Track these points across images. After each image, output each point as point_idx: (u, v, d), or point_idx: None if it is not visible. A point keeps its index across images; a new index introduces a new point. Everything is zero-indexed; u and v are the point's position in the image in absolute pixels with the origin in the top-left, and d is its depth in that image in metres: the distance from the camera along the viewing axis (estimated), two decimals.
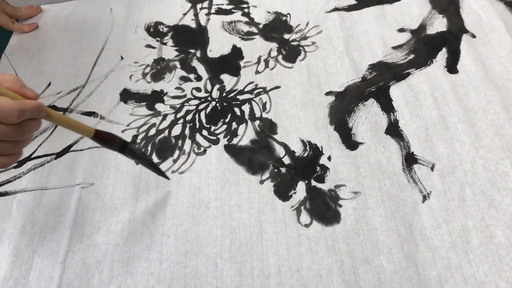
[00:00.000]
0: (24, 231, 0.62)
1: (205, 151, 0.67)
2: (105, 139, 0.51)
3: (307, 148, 0.65)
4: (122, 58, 0.81)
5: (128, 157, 0.56)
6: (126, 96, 0.75)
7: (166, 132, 0.70)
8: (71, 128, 0.47)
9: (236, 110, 0.71)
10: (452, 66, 0.71)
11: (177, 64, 0.79)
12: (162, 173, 0.62)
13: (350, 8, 0.82)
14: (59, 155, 0.69)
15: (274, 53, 0.78)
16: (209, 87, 0.75)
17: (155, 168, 0.61)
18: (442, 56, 0.73)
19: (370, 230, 0.56)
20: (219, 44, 0.81)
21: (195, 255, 0.57)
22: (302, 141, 0.66)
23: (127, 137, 0.69)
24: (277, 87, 0.73)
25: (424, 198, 0.58)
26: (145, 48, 0.83)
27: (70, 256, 0.59)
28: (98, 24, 0.88)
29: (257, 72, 0.76)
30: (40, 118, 0.42)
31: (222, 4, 0.88)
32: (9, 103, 0.38)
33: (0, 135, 0.39)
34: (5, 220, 0.63)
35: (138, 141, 0.69)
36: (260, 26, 0.83)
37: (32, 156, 0.69)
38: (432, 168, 0.61)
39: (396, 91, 0.69)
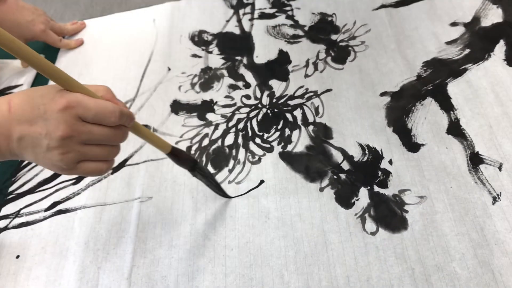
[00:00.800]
0: (87, 247, 0.62)
1: (260, 159, 0.66)
2: (179, 156, 0.52)
3: (366, 152, 0.63)
4: (169, 69, 0.81)
5: (195, 177, 0.57)
6: (177, 107, 0.75)
7: (219, 141, 0.69)
8: (151, 142, 0.49)
9: (288, 116, 0.70)
10: None
11: (225, 72, 0.79)
12: (225, 194, 0.62)
13: (397, 4, 0.80)
14: (115, 169, 0.69)
15: (322, 55, 0.77)
16: (258, 94, 0.74)
17: (219, 189, 0.61)
18: (500, 48, 0.70)
19: (439, 235, 0.54)
20: (265, 49, 0.80)
21: (259, 267, 0.56)
22: (360, 145, 0.64)
23: (181, 148, 0.69)
24: (329, 90, 0.72)
25: (494, 199, 0.56)
26: (191, 58, 0.82)
27: (135, 272, 0.59)
28: (142, 35, 0.89)
29: (306, 75, 0.75)
30: (130, 126, 0.45)
31: (265, 8, 0.87)
32: (112, 105, 0.41)
33: (100, 138, 0.42)
34: (69, 237, 0.64)
35: (192, 152, 0.69)
36: (306, 28, 0.81)
37: None
38: (500, 168, 0.58)
39: (454, 88, 0.67)
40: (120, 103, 0.44)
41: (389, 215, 0.57)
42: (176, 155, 0.52)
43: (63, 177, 0.70)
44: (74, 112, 0.39)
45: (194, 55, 0.83)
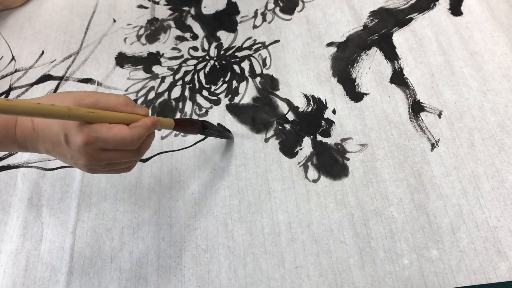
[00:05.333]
0: (31, 203, 0.61)
1: (207, 112, 0.66)
2: (185, 126, 0.51)
3: (311, 102, 0.63)
4: (114, 21, 0.79)
5: (208, 135, 0.57)
6: (122, 60, 0.73)
7: (166, 94, 0.68)
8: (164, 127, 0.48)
9: (236, 67, 0.69)
10: (456, 8, 0.68)
11: (172, 23, 0.77)
12: (228, 136, 0.62)
13: None
14: None
15: (271, 6, 0.75)
16: (206, 46, 0.73)
17: (223, 135, 0.60)
18: None
19: (379, 181, 0.56)
20: None
21: (204, 217, 0.57)
22: (305, 95, 0.64)
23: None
24: (277, 41, 0.71)
25: (433, 146, 0.57)
26: (137, 9, 0.80)
27: (80, 226, 0.59)
28: None
29: (254, 26, 0.74)
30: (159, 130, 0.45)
31: None
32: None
33: (122, 159, 0.43)
34: (11, 193, 0.63)
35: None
36: None
37: None
38: (439, 115, 0.59)
39: (399, 37, 0.67)
40: (143, 112, 0.43)
41: (331, 163, 0.58)
42: (182, 126, 0.50)
43: None
44: (94, 146, 0.39)
45: (140, 6, 0.80)
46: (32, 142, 0.42)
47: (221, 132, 0.59)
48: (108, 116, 0.40)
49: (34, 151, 0.43)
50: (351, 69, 0.65)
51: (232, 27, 0.74)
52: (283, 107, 0.64)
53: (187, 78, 0.70)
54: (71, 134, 0.39)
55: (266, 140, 0.61)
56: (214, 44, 0.73)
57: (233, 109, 0.65)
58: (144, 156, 0.63)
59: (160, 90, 0.69)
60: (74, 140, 0.38)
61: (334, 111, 0.62)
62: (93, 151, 0.39)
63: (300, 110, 0.63)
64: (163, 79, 0.70)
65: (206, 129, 0.55)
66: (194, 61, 0.71)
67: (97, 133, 0.39)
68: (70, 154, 0.40)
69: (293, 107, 0.63)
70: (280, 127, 0.62)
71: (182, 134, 0.64)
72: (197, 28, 0.75)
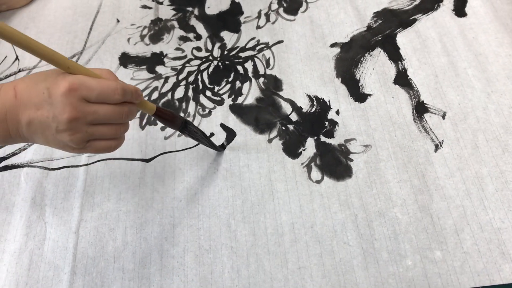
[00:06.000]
0: (34, 203, 0.61)
1: (210, 112, 0.66)
2: (165, 117, 0.49)
3: (314, 103, 0.63)
4: (118, 21, 0.79)
5: (186, 136, 0.55)
6: (126, 60, 0.73)
7: (169, 95, 0.68)
8: (142, 108, 0.47)
9: (239, 68, 0.69)
10: (460, 9, 0.68)
11: (175, 23, 0.77)
12: (216, 147, 0.60)
13: None
14: None
15: (274, 6, 0.75)
16: (209, 46, 0.73)
17: (211, 145, 0.59)
18: None
19: (382, 182, 0.56)
20: (216, 0, 0.79)
21: (207, 217, 0.57)
22: (309, 96, 0.64)
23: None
24: (280, 42, 0.71)
25: (437, 147, 0.57)
26: (141, 9, 0.80)
27: (83, 225, 0.59)
28: None
29: (258, 27, 0.74)
30: (137, 103, 0.44)
31: None
32: (114, 83, 0.41)
33: (106, 117, 0.41)
34: (15, 193, 0.63)
35: None
36: None
37: None
38: (443, 116, 0.59)
39: (403, 38, 0.67)
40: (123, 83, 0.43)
41: (334, 163, 0.58)
42: (162, 116, 0.49)
43: None
44: (78, 94, 0.38)
45: (144, 6, 0.80)
46: (13, 114, 0.40)
47: (206, 139, 0.58)
48: (91, 73, 0.40)
49: (13, 131, 0.41)
50: (354, 70, 0.65)
51: (235, 28, 0.74)
52: (287, 108, 0.64)
53: (191, 79, 0.70)
54: (54, 87, 0.38)
55: (270, 140, 0.61)
56: (217, 45, 0.73)
57: (236, 109, 0.65)
58: (147, 156, 0.63)
59: (163, 90, 0.69)
60: (57, 90, 0.38)
61: (337, 112, 0.62)
62: (76, 101, 0.39)
63: (304, 110, 0.63)
64: (166, 79, 0.70)
65: (187, 126, 0.52)
66: (198, 62, 0.71)
67: (80, 80, 0.39)
68: (53, 113, 0.38)
69: (296, 108, 0.63)
70: (283, 128, 0.62)
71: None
72: (200, 28, 0.75)
